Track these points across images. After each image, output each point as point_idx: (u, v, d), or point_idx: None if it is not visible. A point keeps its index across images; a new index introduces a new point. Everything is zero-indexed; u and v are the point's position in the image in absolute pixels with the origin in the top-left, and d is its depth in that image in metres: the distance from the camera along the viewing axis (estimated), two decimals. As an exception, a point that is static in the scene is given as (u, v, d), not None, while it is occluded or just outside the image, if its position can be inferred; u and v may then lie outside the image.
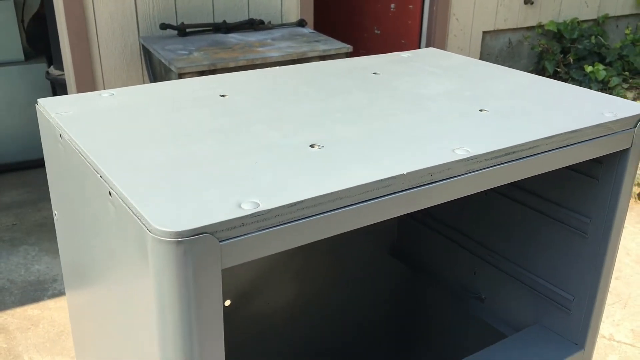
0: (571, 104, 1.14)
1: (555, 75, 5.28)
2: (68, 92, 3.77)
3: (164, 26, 3.54)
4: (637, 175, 4.14)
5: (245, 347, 1.58)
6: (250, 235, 0.73)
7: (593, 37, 5.24)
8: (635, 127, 1.10)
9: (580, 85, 5.10)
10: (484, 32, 4.99)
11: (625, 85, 5.10)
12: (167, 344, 0.74)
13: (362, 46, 5.08)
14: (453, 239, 1.54)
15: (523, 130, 1.01)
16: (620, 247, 3.57)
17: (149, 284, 0.72)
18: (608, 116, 1.08)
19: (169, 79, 3.22)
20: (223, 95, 1.14)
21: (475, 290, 1.51)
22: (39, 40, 4.31)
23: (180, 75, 3.10)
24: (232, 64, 3.15)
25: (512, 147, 0.95)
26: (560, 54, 5.24)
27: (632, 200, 4.05)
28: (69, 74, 3.63)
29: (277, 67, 1.34)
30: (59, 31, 3.59)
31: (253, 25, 3.73)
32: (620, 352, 2.79)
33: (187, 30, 3.57)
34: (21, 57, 4.24)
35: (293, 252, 1.62)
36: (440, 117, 1.06)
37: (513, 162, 0.96)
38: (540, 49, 5.23)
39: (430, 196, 0.88)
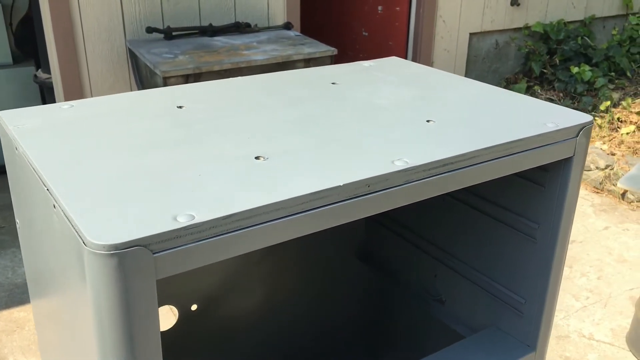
0: (516, 114, 1.18)
1: (541, 76, 5.32)
2: (55, 96, 3.80)
3: (150, 29, 3.57)
4: (602, 176, 4.16)
5: (212, 352, 1.62)
6: (185, 246, 0.77)
7: (579, 38, 5.28)
8: (577, 136, 1.14)
9: (566, 86, 5.14)
10: (471, 34, 5.03)
11: (611, 86, 5.15)
12: (106, 354, 0.77)
13: (349, 48, 5.11)
14: (416, 243, 1.58)
15: (465, 141, 1.04)
16: (603, 246, 3.61)
17: (88, 295, 0.75)
18: (550, 126, 1.12)
19: (155, 82, 3.25)
20: (180, 107, 1.17)
21: (436, 293, 1.55)
22: (28, 44, 4.34)
23: (165, 79, 3.14)
24: (216, 67, 3.18)
25: (451, 158, 0.99)
26: (547, 55, 5.28)
27: (615, 200, 4.09)
28: (56, 77, 3.66)
29: (239, 78, 1.38)
30: (45, 34, 3.62)
31: (239, 28, 3.76)
32: (599, 351, 2.83)
33: (174, 33, 3.61)
34: (9, 60, 4.27)
35: (260, 256, 1.66)
36: (387, 128, 1.10)
37: (452, 172, 0.99)
38: (527, 50, 5.27)
39: (367, 207, 0.91)
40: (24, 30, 4.41)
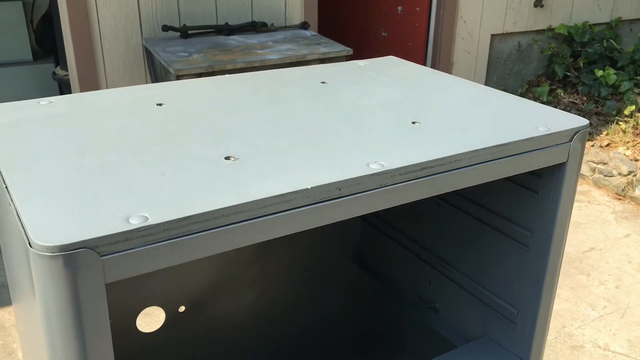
0: (507, 117, 1.13)
1: (565, 79, 5.20)
2: (72, 93, 3.83)
3: (166, 28, 3.57)
4: (625, 182, 4.04)
5: (199, 354, 1.59)
6: (135, 249, 0.74)
7: (605, 40, 5.15)
8: (571, 141, 1.08)
9: (590, 89, 5.01)
10: (493, 35, 4.94)
11: (637, 90, 5.00)
12: (56, 356, 0.75)
13: (368, 49, 5.07)
14: (411, 248, 1.53)
15: (448, 144, 1.00)
16: (623, 255, 3.50)
17: (36, 299, 0.73)
18: (541, 130, 1.06)
19: (168, 80, 3.25)
20: (160, 104, 1.15)
21: (430, 300, 1.50)
22: (48, 41, 4.39)
23: (178, 77, 3.13)
24: (230, 66, 3.17)
25: (430, 162, 0.94)
26: (571, 57, 5.16)
27: (638, 208, 3.97)
28: (73, 75, 3.68)
29: (229, 75, 1.35)
30: (62, 33, 3.65)
31: (255, 27, 3.75)
32: (613, 363, 2.75)
33: (189, 32, 3.60)
34: (29, 57, 4.33)
35: (252, 258, 1.63)
36: (368, 129, 1.05)
37: (431, 177, 0.95)
38: (550, 52, 5.16)
39: (337, 211, 0.87)
40: (45, 27, 4.46)
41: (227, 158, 0.93)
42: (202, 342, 1.61)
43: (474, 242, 1.34)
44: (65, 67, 4.01)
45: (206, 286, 1.56)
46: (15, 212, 0.78)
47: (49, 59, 4.42)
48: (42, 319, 0.74)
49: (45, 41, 4.45)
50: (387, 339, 1.63)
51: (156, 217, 0.76)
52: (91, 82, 3.61)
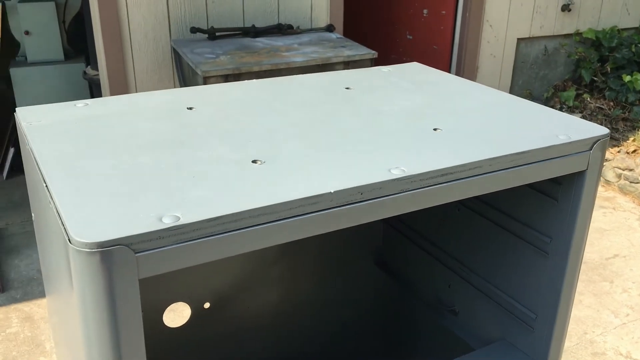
0: (528, 124, 1.15)
1: (591, 84, 5.16)
2: (102, 92, 3.91)
3: (194, 30, 3.64)
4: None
5: (222, 350, 1.64)
6: (167, 247, 0.78)
7: (633, 45, 5.09)
8: (591, 149, 1.10)
9: (617, 95, 4.96)
10: (519, 39, 4.92)
11: (666, 96, 4.93)
12: (91, 350, 0.79)
13: (393, 52, 5.08)
14: (431, 252, 1.56)
15: (469, 151, 1.02)
16: (652, 261, 3.47)
17: (74, 292, 0.78)
18: (562, 138, 1.08)
19: (196, 81, 3.31)
20: (190, 108, 1.19)
21: (449, 303, 1.52)
22: (79, 41, 4.48)
23: (206, 79, 3.19)
24: (256, 68, 3.21)
25: (451, 168, 0.97)
26: (598, 62, 5.11)
27: (665, 214, 3.93)
28: (103, 74, 3.77)
29: (255, 80, 1.39)
30: (94, 33, 3.73)
31: (281, 29, 3.79)
32: (635, 371, 2.73)
33: (217, 34, 3.66)
34: (61, 56, 4.42)
35: (276, 258, 1.67)
36: (390, 135, 1.08)
37: (451, 183, 0.97)
38: (577, 57, 5.12)
39: (359, 215, 0.91)
40: (76, 27, 4.56)
41: (254, 162, 0.97)
42: (225, 339, 1.65)
43: (493, 247, 1.36)
44: (95, 67, 4.10)
45: (231, 284, 1.61)
46: (55, 210, 0.82)
47: (79, 58, 4.51)
48: (78, 311, 0.79)
49: (77, 41, 4.54)
50: (406, 340, 1.66)
51: (187, 217, 0.80)
52: (120, 82, 3.69)
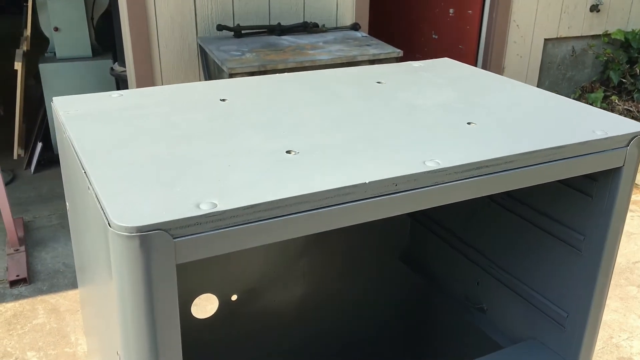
0: (564, 120, 1.14)
1: (620, 86, 5.08)
2: (129, 89, 3.95)
3: (220, 27, 3.66)
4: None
5: (249, 342, 1.64)
6: (205, 234, 0.79)
7: (663, 47, 5.01)
8: (628, 146, 1.09)
9: (646, 97, 4.88)
10: (546, 40, 4.86)
11: (696, 99, 4.85)
12: (128, 334, 0.80)
13: (418, 51, 5.06)
14: (459, 249, 1.55)
15: (503, 145, 1.01)
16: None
17: (112, 276, 0.79)
18: (598, 134, 1.07)
19: (221, 78, 3.33)
20: (223, 100, 1.20)
21: (477, 301, 1.51)
22: (107, 38, 4.54)
23: (231, 76, 3.21)
24: (281, 66, 3.22)
25: (486, 161, 0.96)
26: (627, 64, 5.03)
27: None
28: (130, 71, 3.80)
29: (287, 74, 1.39)
30: (122, 30, 3.77)
31: (307, 28, 3.80)
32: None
33: (243, 31, 3.68)
34: (89, 53, 4.48)
35: (301, 252, 1.67)
36: (424, 128, 1.08)
37: (486, 176, 0.97)
38: (605, 58, 5.05)
39: (393, 206, 0.90)
40: (104, 24, 4.61)
41: (288, 152, 0.97)
42: (252, 331, 1.66)
43: (524, 244, 1.35)
44: (122, 63, 4.14)
45: (258, 277, 1.61)
46: (94, 195, 0.84)
47: (107, 55, 4.56)
48: (116, 296, 0.80)
49: (104, 38, 4.60)
50: (433, 337, 1.65)
51: (224, 204, 0.80)
52: (147, 79, 3.72)
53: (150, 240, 0.75)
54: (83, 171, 0.90)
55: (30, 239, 3.44)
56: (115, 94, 1.20)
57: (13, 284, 3.01)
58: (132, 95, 1.20)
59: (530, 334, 1.36)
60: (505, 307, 1.43)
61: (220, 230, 0.79)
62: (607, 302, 3.08)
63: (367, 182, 0.88)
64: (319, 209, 0.85)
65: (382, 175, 0.90)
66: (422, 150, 0.99)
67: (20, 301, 2.96)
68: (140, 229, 0.75)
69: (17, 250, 3.25)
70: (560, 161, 1.03)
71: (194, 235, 0.78)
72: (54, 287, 3.06)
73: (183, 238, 0.77)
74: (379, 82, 1.34)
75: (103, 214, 0.78)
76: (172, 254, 0.77)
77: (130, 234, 0.74)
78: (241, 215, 0.80)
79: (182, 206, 0.79)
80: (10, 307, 2.91)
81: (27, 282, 3.04)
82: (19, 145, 4.11)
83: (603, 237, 1.15)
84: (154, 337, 0.80)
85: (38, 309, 2.91)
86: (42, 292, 3.03)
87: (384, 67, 1.46)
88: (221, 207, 0.80)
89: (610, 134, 1.07)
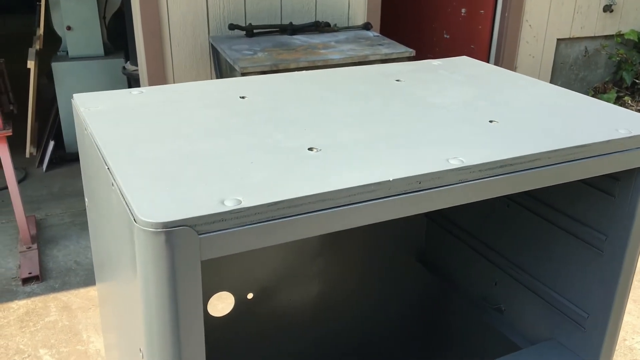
0: (586, 118, 1.13)
1: (633, 87, 5.05)
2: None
3: (232, 26, 3.66)
4: None
5: (264, 341, 1.64)
6: (229, 230, 0.78)
7: (677, 47, 4.97)
8: (652, 144, 1.07)
9: (659, 98, 4.85)
10: (559, 40, 4.84)
11: None
12: (152, 330, 0.80)
13: (430, 50, 5.05)
14: (476, 248, 1.54)
15: (527, 143, 1.00)
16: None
17: (137, 272, 0.78)
18: (622, 132, 1.06)
19: (233, 77, 3.33)
20: (243, 97, 1.20)
21: (495, 301, 1.50)
22: (119, 37, 4.55)
23: (243, 75, 3.21)
24: (293, 65, 3.22)
25: (510, 160, 0.95)
26: (640, 64, 5.00)
27: None
28: (142, 70, 3.81)
29: (304, 72, 1.39)
30: (134, 29, 3.78)
31: (318, 27, 3.79)
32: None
33: (254, 31, 3.68)
34: (101, 52, 4.49)
35: (317, 252, 1.66)
36: (446, 126, 1.07)
37: (510, 175, 0.96)
38: (618, 58, 5.01)
39: (417, 204, 0.90)
40: (117, 24, 4.63)
41: (310, 149, 0.97)
42: (267, 329, 1.65)
43: (544, 244, 1.34)
44: (134, 62, 4.15)
45: (273, 276, 1.61)
46: (118, 191, 0.83)
47: (119, 54, 4.58)
48: (140, 292, 0.79)
49: (117, 37, 4.61)
50: (450, 338, 1.64)
51: (248, 200, 0.80)
52: (159, 77, 3.73)
53: (176, 236, 0.75)
54: (107, 167, 0.90)
55: (42, 236, 3.46)
56: (136, 90, 1.20)
57: (25, 281, 3.03)
58: (152, 92, 1.20)
59: (549, 335, 1.35)
60: (524, 307, 1.42)
61: (244, 227, 0.79)
62: (621, 304, 3.05)
63: (391, 179, 0.87)
64: (343, 207, 0.85)
65: (406, 172, 0.89)
66: (445, 148, 0.98)
67: (33, 299, 2.97)
68: (165, 225, 0.74)
69: (30, 248, 3.26)
70: (583, 160, 1.02)
71: (219, 232, 0.78)
72: (66, 285, 3.07)
73: (208, 234, 0.77)
74: (398, 80, 1.33)
75: (128, 210, 0.78)
76: (197, 250, 0.76)
77: (156, 230, 0.74)
78: (265, 212, 0.80)
79: (207, 202, 0.79)
80: (22, 304, 2.92)
81: (39, 280, 3.05)
82: (31, 143, 4.13)
83: (625, 237, 1.14)
84: (177, 334, 0.80)
85: (50, 307, 2.92)
86: (54, 289, 3.04)
87: (403, 65, 1.45)
88: (245, 203, 0.79)
89: (634, 133, 1.06)
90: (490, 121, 1.10)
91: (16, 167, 3.77)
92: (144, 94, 1.19)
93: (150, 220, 0.74)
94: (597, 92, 5.11)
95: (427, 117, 1.12)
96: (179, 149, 0.95)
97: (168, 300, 0.78)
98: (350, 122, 1.09)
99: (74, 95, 1.16)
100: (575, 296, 1.27)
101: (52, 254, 3.30)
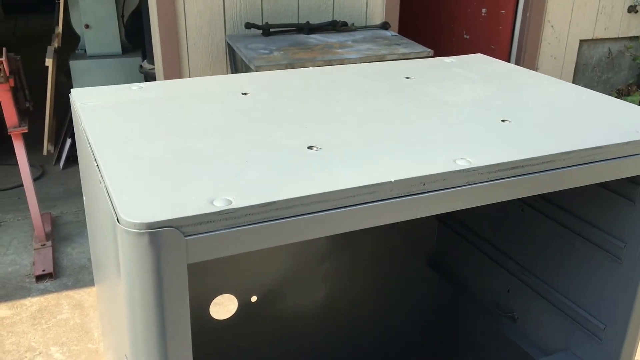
0: (605, 119, 1.07)
1: (658, 89, 4.92)
2: (157, 86, 3.94)
3: (248, 25, 3.63)
4: None
5: (267, 345, 1.60)
6: (218, 232, 0.74)
7: None
8: (675, 147, 1.01)
9: (686, 101, 4.72)
10: (581, 41, 4.73)
11: None
12: (137, 334, 0.76)
13: (449, 51, 4.97)
14: (489, 254, 1.48)
15: (540, 144, 0.95)
16: None
17: (121, 274, 0.75)
18: (643, 134, 0.99)
19: (249, 76, 3.30)
20: (245, 93, 1.16)
21: (508, 309, 1.44)
22: (137, 35, 4.56)
23: (259, 74, 3.17)
24: (309, 64, 3.18)
25: (521, 161, 0.90)
26: (666, 66, 4.87)
27: None
28: (159, 68, 3.81)
29: (312, 68, 1.34)
30: (151, 28, 3.78)
31: (336, 26, 3.75)
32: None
33: (271, 30, 3.65)
34: (119, 50, 4.50)
35: (324, 255, 1.62)
36: (455, 125, 1.02)
37: (521, 177, 0.90)
38: (643, 60, 4.89)
39: (421, 206, 0.85)
40: (134, 22, 4.63)
41: (310, 147, 0.92)
42: (270, 334, 1.61)
43: (559, 251, 1.28)
44: (151, 61, 4.15)
45: (278, 279, 1.57)
46: (105, 190, 0.80)
47: (136, 52, 4.58)
48: (125, 296, 0.75)
49: (134, 36, 4.62)
50: (460, 345, 1.58)
51: (239, 201, 0.76)
52: (175, 76, 3.72)
53: (160, 237, 0.71)
54: (95, 164, 0.86)
55: (57, 234, 3.46)
56: (135, 86, 1.16)
57: (39, 278, 3.03)
58: (152, 87, 1.17)
59: (563, 346, 1.29)
60: (538, 316, 1.35)
61: (234, 229, 0.75)
62: None
63: (392, 180, 0.82)
64: (340, 209, 0.80)
65: (409, 173, 0.84)
66: (453, 148, 0.93)
67: (46, 296, 2.97)
68: (149, 226, 0.70)
69: (44, 245, 3.27)
70: (600, 162, 0.96)
71: (207, 234, 0.73)
72: (79, 283, 3.07)
73: (195, 236, 0.73)
74: (408, 78, 1.28)
75: (112, 209, 0.74)
76: (184, 252, 0.72)
77: (139, 231, 0.70)
78: (256, 213, 0.75)
79: (195, 202, 0.74)
80: (35, 301, 2.92)
81: (52, 277, 3.05)
82: (48, 141, 4.14)
83: (646, 245, 1.08)
84: (163, 341, 0.76)
85: (63, 304, 2.92)
86: (67, 287, 3.03)
87: (414, 63, 1.40)
88: (236, 204, 0.75)
89: (656, 135, 0.99)
90: (503, 120, 1.05)
91: (33, 165, 3.78)
92: (143, 89, 1.15)
93: (134, 221, 0.70)
94: (620, 95, 4.99)
95: (435, 116, 1.07)
96: (173, 146, 0.91)
97: (153, 305, 0.74)
98: (354, 120, 1.04)
99: (72, 90, 1.13)
100: (592, 306, 1.21)
101: (67, 252, 3.30)
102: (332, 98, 1.15)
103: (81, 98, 1.09)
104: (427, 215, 0.86)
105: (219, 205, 0.74)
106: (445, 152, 0.92)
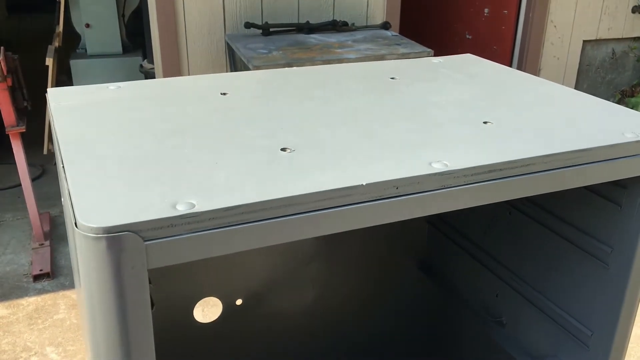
0: (591, 121, 1.04)
1: (663, 90, 4.87)
2: (156, 85, 3.93)
3: (248, 25, 3.62)
4: None
5: (253, 349, 1.58)
6: (180, 236, 0.72)
7: None
8: (662, 150, 0.98)
9: (690, 102, 4.67)
10: (585, 41, 4.69)
11: None
12: (98, 342, 0.74)
13: (451, 51, 4.93)
14: (478, 258, 1.45)
15: (521, 147, 0.92)
16: None
17: (80, 280, 0.73)
18: (628, 136, 0.97)
19: (247, 76, 3.28)
20: (224, 94, 1.14)
21: (496, 314, 1.41)
22: (137, 35, 4.55)
23: (257, 74, 3.15)
24: (308, 64, 3.16)
25: (498, 164, 0.87)
26: (671, 67, 4.82)
27: None
28: (158, 68, 3.80)
29: (297, 68, 1.32)
30: (150, 27, 3.77)
31: (336, 26, 3.73)
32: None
33: (271, 29, 3.63)
34: (119, 50, 4.50)
35: (311, 257, 1.59)
36: (435, 127, 1.00)
37: (499, 181, 0.88)
38: (648, 60, 4.84)
39: (394, 211, 0.82)
40: (135, 22, 4.63)
41: (283, 149, 0.90)
42: (256, 337, 1.59)
43: (547, 255, 1.25)
44: (151, 60, 4.14)
45: (264, 281, 1.54)
46: (67, 192, 0.78)
47: (137, 52, 4.58)
48: (85, 302, 0.74)
49: (135, 35, 4.62)
50: (449, 350, 1.56)
51: (203, 204, 0.73)
52: (175, 75, 3.70)
53: (119, 242, 0.68)
54: (62, 165, 0.84)
55: (55, 233, 3.45)
56: (113, 85, 1.14)
57: (36, 278, 3.02)
58: (130, 87, 1.15)
59: (550, 352, 1.26)
60: (526, 321, 1.33)
61: (197, 234, 0.72)
62: None
63: (364, 184, 0.80)
64: (309, 213, 0.78)
65: (383, 177, 0.82)
66: (430, 150, 0.91)
67: (43, 296, 2.96)
68: (107, 230, 0.68)
69: (42, 244, 3.26)
70: (585, 165, 0.93)
71: (168, 239, 0.71)
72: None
73: (155, 241, 0.71)
74: (392, 78, 1.26)
75: (72, 213, 0.72)
76: (143, 258, 0.70)
77: (97, 235, 0.68)
78: (220, 217, 0.73)
79: (156, 206, 0.72)
80: (32, 301, 2.91)
81: (50, 277, 3.04)
82: (49, 140, 4.14)
83: (632, 249, 1.05)
84: (126, 348, 0.74)
85: (59, 304, 2.91)
86: (64, 287, 3.03)
87: (401, 63, 1.38)
88: (199, 207, 0.73)
89: (642, 137, 0.97)
90: (485, 122, 1.02)
91: (33, 164, 3.77)
92: (121, 89, 1.14)
93: (91, 225, 0.68)
94: (624, 96, 4.94)
95: (416, 117, 1.04)
96: (142, 148, 0.89)
97: (114, 312, 0.72)
98: (332, 121, 1.01)
99: (48, 89, 1.11)
100: (579, 312, 1.18)
101: (65, 251, 3.29)
102: (312, 98, 1.13)
103: (57, 98, 1.07)
104: (402, 219, 0.84)
105: (181, 209, 0.72)
106: (422, 154, 0.89)
